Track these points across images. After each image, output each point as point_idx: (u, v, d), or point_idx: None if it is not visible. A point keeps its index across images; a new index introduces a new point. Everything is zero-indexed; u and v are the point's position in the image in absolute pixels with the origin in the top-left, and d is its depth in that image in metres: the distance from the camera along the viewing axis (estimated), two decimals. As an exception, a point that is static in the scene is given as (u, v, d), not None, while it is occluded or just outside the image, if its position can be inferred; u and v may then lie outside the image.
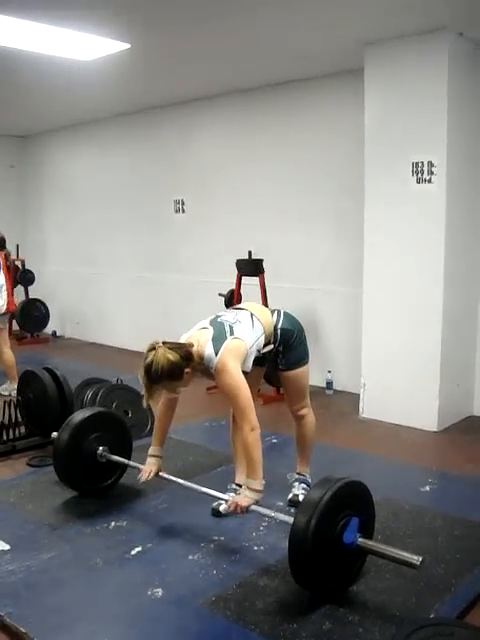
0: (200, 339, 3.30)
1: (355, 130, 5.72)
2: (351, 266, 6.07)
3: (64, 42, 5.12)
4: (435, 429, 5.30)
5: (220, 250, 7.44)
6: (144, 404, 3.30)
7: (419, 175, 5.11)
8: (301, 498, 3.66)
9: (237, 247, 6.64)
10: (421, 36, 4.98)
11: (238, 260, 6.49)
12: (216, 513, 3.66)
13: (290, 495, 3.87)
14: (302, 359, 3.67)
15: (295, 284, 6.83)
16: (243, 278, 6.53)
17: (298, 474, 3.99)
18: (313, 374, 6.48)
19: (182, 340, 3.38)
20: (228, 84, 6.87)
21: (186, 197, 7.96)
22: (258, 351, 3.47)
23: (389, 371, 5.53)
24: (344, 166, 6.24)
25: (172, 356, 3.09)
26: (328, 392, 6.51)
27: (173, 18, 4.67)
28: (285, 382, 3.74)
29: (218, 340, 3.26)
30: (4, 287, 6.20)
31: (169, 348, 3.12)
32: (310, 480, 3.90)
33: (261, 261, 6.36)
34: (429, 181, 5.08)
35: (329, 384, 6.53)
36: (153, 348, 3.12)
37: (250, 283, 6.45)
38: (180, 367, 3.12)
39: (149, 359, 3.10)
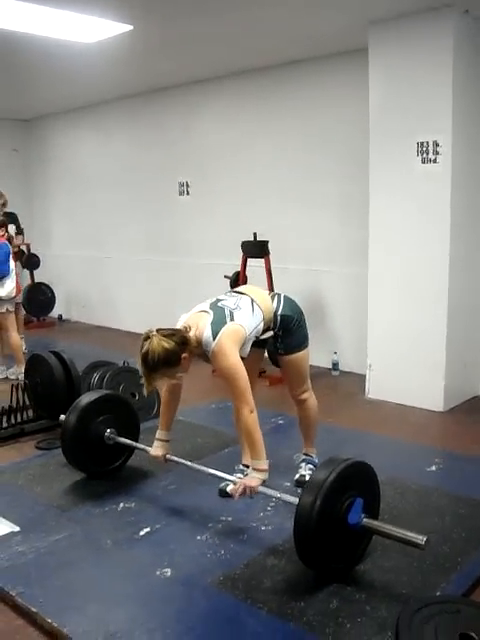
0: (199, 322, 3.29)
1: (360, 110, 5.69)
2: (356, 247, 6.06)
3: (66, 24, 5.09)
4: (441, 409, 5.31)
5: (225, 232, 7.43)
6: (145, 392, 3.30)
7: (424, 155, 5.09)
8: (308, 478, 3.65)
9: (242, 229, 6.62)
10: (426, 14, 4.93)
11: (243, 242, 6.48)
12: (223, 493, 3.66)
13: (297, 475, 3.89)
14: (302, 343, 3.66)
15: (300, 265, 6.82)
16: (249, 260, 6.53)
17: (305, 455, 4.00)
18: (319, 355, 6.58)
19: (180, 322, 3.38)
20: (231, 65, 6.83)
21: (191, 179, 7.94)
22: (257, 337, 3.46)
23: (395, 352, 5.53)
24: (349, 146, 6.21)
25: (167, 343, 3.08)
26: (334, 373, 6.53)
27: (175, -1, 4.64)
28: (285, 366, 3.74)
29: (217, 324, 3.25)
30: (14, 272, 6.30)
31: (164, 335, 3.11)
32: (317, 460, 3.91)
33: (266, 243, 6.35)
34: (434, 161, 5.05)
35: (335, 365, 6.54)
36: (148, 337, 3.11)
37: (256, 265, 6.45)
38: (176, 353, 3.11)
39: (145, 348, 3.08)
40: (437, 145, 5.01)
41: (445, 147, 4.98)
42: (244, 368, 3.24)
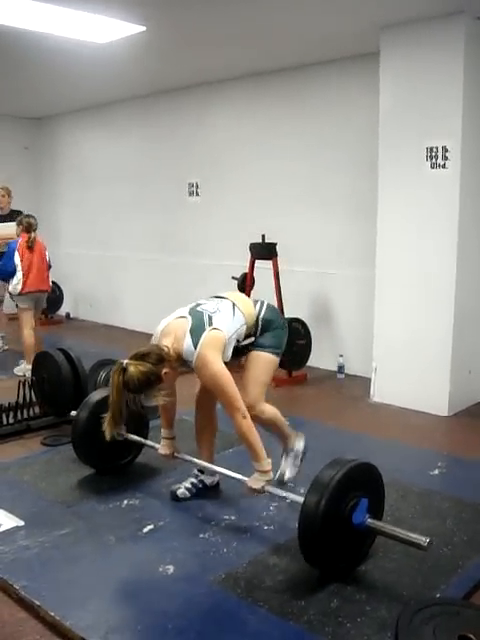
0: (177, 332, 3.27)
1: (370, 114, 5.72)
2: (364, 250, 6.08)
3: (79, 24, 5.13)
4: (446, 414, 5.32)
5: (234, 233, 7.45)
6: (107, 436, 3.30)
7: (433, 160, 5.10)
8: (287, 476, 3.71)
9: (251, 230, 6.65)
10: (438, 20, 4.95)
11: (251, 244, 6.51)
12: (174, 497, 3.73)
13: (277, 473, 3.75)
14: (273, 346, 3.57)
15: (308, 268, 6.84)
16: (256, 261, 6.56)
17: (284, 450, 3.90)
18: (325, 358, 6.61)
19: (160, 327, 3.37)
20: (243, 67, 6.86)
21: (200, 180, 7.96)
22: (238, 341, 3.43)
23: (401, 355, 5.54)
24: (359, 150, 6.23)
25: (143, 366, 3.07)
26: (339, 376, 6.54)
27: (188, 1, 4.66)
28: (247, 362, 3.59)
29: (196, 332, 3.23)
30: (19, 268, 6.32)
31: (137, 359, 3.10)
32: (298, 446, 3.88)
33: (274, 245, 6.38)
34: (443, 166, 5.07)
35: (340, 368, 6.55)
36: (123, 368, 3.08)
37: (263, 267, 6.48)
38: (155, 373, 3.10)
39: (122, 379, 3.08)
40: (446, 150, 5.02)
41: (454, 152, 4.99)
42: (230, 375, 3.22)
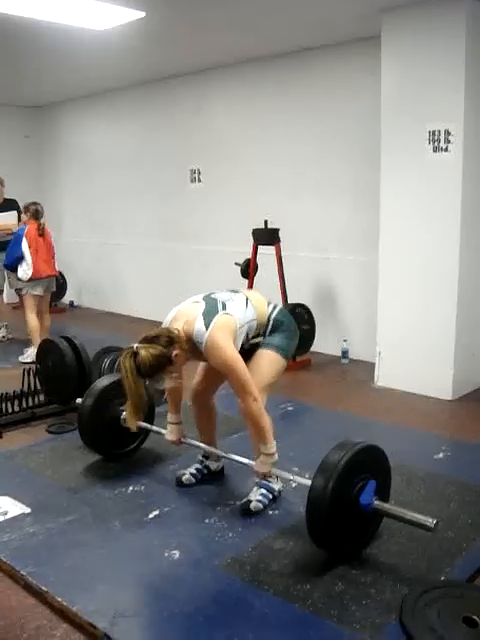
0: (189, 315, 3.26)
1: (371, 98, 5.70)
2: (367, 235, 6.07)
3: (79, 11, 5.10)
4: (450, 398, 5.33)
5: (236, 219, 7.44)
6: (134, 427, 3.35)
7: (436, 144, 5.08)
8: (253, 505, 3.41)
9: (253, 216, 6.64)
10: (439, 2, 4.91)
11: (254, 229, 6.50)
12: (179, 482, 3.75)
13: (244, 500, 3.49)
14: (282, 348, 3.49)
15: (311, 253, 6.84)
16: (259, 247, 6.55)
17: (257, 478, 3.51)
18: (329, 343, 6.62)
19: (171, 314, 3.36)
20: (244, 53, 6.82)
21: (202, 167, 7.95)
22: (247, 337, 3.40)
23: (404, 340, 5.54)
24: (360, 134, 6.21)
25: (153, 349, 3.05)
26: (343, 361, 6.54)
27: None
28: (252, 359, 3.46)
29: (209, 315, 3.22)
30: (28, 254, 6.40)
31: (146, 344, 3.07)
32: (274, 486, 3.54)
33: (277, 230, 6.37)
34: (446, 150, 5.04)
35: (345, 353, 6.56)
36: (134, 352, 3.04)
37: (266, 252, 6.47)
38: (165, 355, 3.07)
39: (134, 363, 3.03)
40: (449, 134, 4.99)
41: (457, 136, 4.97)
42: (241, 358, 3.22)
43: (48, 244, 6.66)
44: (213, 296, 3.41)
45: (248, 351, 3.46)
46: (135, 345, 3.08)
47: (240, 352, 3.29)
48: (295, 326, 3.63)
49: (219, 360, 3.21)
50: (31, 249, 6.44)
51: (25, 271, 6.47)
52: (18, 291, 6.85)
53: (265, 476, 3.33)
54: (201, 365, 3.66)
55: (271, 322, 3.50)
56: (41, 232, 6.53)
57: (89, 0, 4.82)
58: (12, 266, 6.55)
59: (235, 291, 3.55)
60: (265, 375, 3.42)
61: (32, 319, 6.63)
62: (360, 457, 2.88)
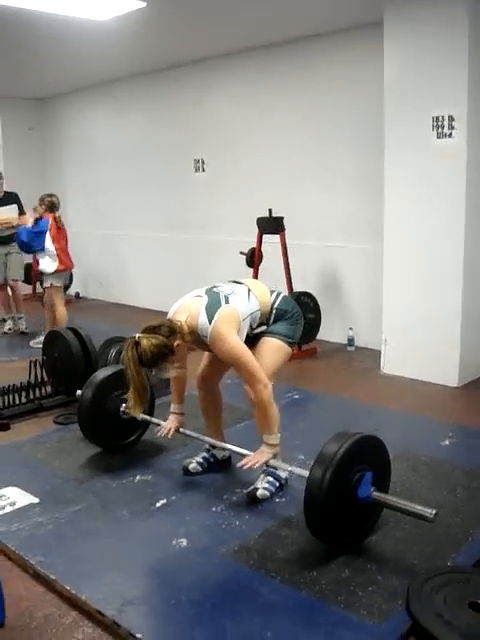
0: (192, 308, 3.28)
1: (374, 85, 5.67)
2: (372, 222, 6.05)
3: (80, 2, 5.09)
4: (456, 384, 5.33)
5: (241, 208, 7.43)
6: (138, 416, 3.38)
7: (439, 130, 5.06)
8: (259, 492, 3.43)
9: (258, 205, 6.63)
10: (442, -13, 4.90)
11: (259, 218, 6.50)
12: (187, 472, 3.76)
13: (251, 488, 3.51)
14: (286, 335, 3.49)
15: (316, 241, 6.83)
16: (264, 236, 6.55)
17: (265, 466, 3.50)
18: (335, 331, 6.63)
19: (174, 307, 3.38)
20: (245, 41, 6.79)
21: (206, 156, 7.93)
22: (251, 327, 3.41)
23: (410, 327, 5.54)
24: (364, 121, 6.18)
25: (155, 339, 3.07)
26: (349, 349, 6.55)
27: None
28: (257, 347, 3.45)
29: (211, 308, 3.23)
30: (52, 247, 6.47)
31: (148, 334, 3.09)
32: (281, 474, 3.54)
33: (282, 219, 6.37)
34: (450, 136, 5.02)
35: (351, 341, 6.56)
36: (136, 342, 3.07)
37: (271, 241, 6.47)
38: (167, 345, 3.09)
39: (136, 353, 3.07)
40: (452, 120, 4.97)
41: (460, 122, 4.95)
42: (246, 347, 3.23)
43: (66, 236, 6.69)
44: (215, 289, 3.41)
45: (252, 340, 3.46)
46: (137, 335, 3.10)
47: (245, 341, 3.30)
48: (299, 313, 3.62)
49: (225, 352, 3.22)
50: (54, 242, 6.47)
51: (50, 263, 6.49)
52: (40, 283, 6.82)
53: (261, 464, 3.29)
54: (207, 352, 3.67)
55: (274, 311, 3.50)
56: (60, 225, 6.56)
57: (90, -10, 4.82)
58: (29, 250, 6.59)
59: (237, 282, 3.54)
60: (270, 363, 3.43)
61: (62, 310, 6.68)
62: (357, 448, 2.86)
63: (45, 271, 6.55)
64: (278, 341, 3.47)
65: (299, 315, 3.61)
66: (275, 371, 3.48)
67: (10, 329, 7.60)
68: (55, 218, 6.56)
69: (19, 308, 7.60)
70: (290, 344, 3.53)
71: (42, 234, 6.43)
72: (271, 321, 3.50)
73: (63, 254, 6.58)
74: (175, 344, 3.13)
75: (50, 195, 6.68)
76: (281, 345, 3.48)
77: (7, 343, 7.28)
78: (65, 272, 6.73)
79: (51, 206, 6.58)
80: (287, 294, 3.71)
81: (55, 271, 6.54)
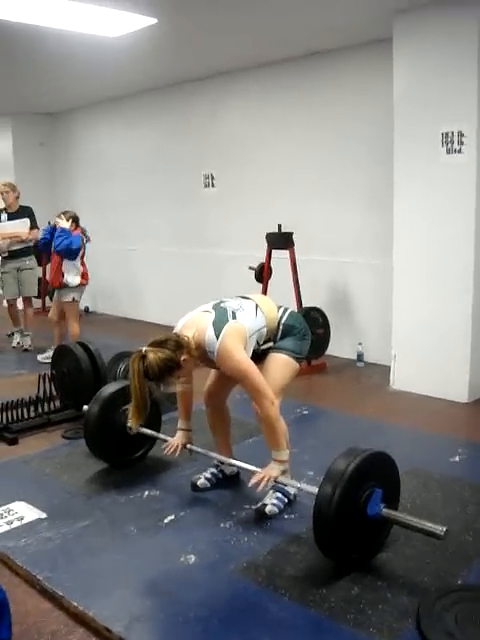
0: (199, 324, 3.27)
1: (384, 101, 5.69)
2: (381, 238, 6.05)
3: (91, 19, 5.13)
4: (466, 400, 5.29)
5: (250, 224, 7.44)
6: (135, 428, 3.40)
7: (449, 145, 5.06)
8: (268, 508, 3.42)
9: (267, 220, 6.64)
10: (451, 3, 4.89)
11: (268, 234, 6.50)
12: (195, 487, 3.74)
13: (259, 504, 3.49)
14: (293, 351, 3.47)
15: (325, 257, 6.83)
16: (273, 251, 6.55)
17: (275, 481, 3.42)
18: (344, 347, 6.60)
19: (181, 322, 3.37)
20: (256, 57, 6.83)
21: (215, 172, 7.96)
22: (257, 344, 3.39)
23: (420, 343, 5.51)
24: (374, 137, 6.19)
25: (162, 353, 3.06)
26: (359, 364, 6.52)
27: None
28: (264, 363, 3.46)
29: (218, 324, 3.22)
30: (79, 262, 6.54)
31: (155, 348, 3.08)
32: (290, 490, 3.53)
33: (291, 234, 6.37)
34: (459, 151, 5.02)
35: (360, 356, 6.54)
36: (142, 355, 3.07)
37: (280, 256, 6.47)
38: (173, 359, 3.08)
39: (142, 366, 3.06)
40: (462, 135, 4.97)
41: (470, 137, 4.94)
42: (253, 363, 3.22)
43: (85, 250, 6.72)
44: (222, 305, 3.39)
45: (260, 356, 3.44)
46: (144, 348, 3.09)
47: (251, 358, 3.29)
48: (306, 328, 3.61)
49: (232, 368, 3.22)
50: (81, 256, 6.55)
51: (75, 277, 6.49)
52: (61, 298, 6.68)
53: (269, 481, 3.25)
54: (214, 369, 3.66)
55: (281, 327, 3.48)
56: (87, 238, 6.62)
57: (101, 8, 4.85)
58: (66, 255, 6.49)
59: (245, 297, 3.53)
60: (278, 379, 3.41)
61: (77, 326, 6.65)
62: (366, 465, 2.84)
63: (70, 284, 6.49)
64: (285, 357, 3.45)
65: (306, 331, 3.60)
66: (283, 387, 3.46)
67: (19, 343, 7.60)
68: (83, 231, 6.59)
69: (27, 325, 7.60)
70: (297, 360, 3.51)
71: (78, 248, 6.47)
72: (278, 337, 3.48)
73: (84, 268, 6.62)
74: (182, 359, 3.12)
75: (67, 211, 6.67)
76: (288, 361, 3.46)
77: (16, 357, 7.29)
78: (85, 286, 6.73)
79: (76, 220, 6.59)
80: (294, 310, 3.70)
81: (79, 285, 6.56)
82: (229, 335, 3.19)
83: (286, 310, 3.57)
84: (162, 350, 3.08)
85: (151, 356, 3.05)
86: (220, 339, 3.18)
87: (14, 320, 7.68)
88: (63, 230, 6.35)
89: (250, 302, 3.46)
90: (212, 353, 3.21)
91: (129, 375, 3.15)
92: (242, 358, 3.19)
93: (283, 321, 3.49)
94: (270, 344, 3.48)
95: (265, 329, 3.41)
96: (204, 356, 3.26)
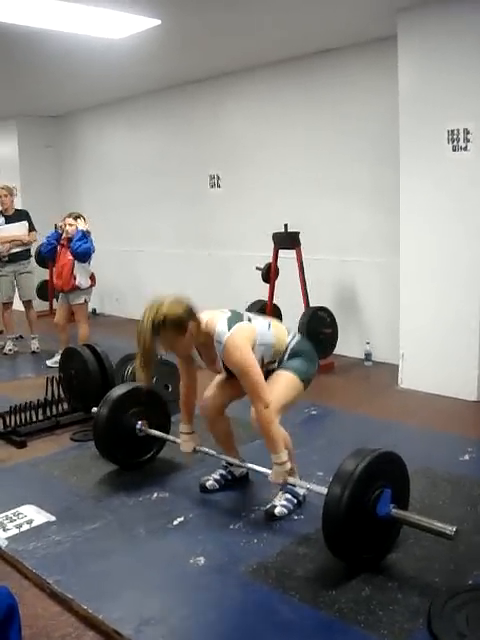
0: (215, 316, 3.31)
1: (389, 99, 5.68)
2: (388, 236, 6.03)
3: (95, 21, 5.14)
4: (474, 399, 5.27)
5: (256, 224, 7.43)
6: (141, 377, 3.28)
7: (455, 143, 5.04)
8: (277, 510, 3.41)
9: (273, 220, 6.63)
10: (456, 0, 4.88)
11: (274, 233, 6.49)
12: (204, 489, 3.74)
13: (268, 506, 3.49)
14: (299, 370, 3.43)
15: (332, 256, 6.81)
16: (280, 251, 6.54)
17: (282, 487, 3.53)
18: (352, 346, 6.58)
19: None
20: (260, 57, 6.82)
21: (221, 172, 7.95)
22: (262, 361, 3.38)
23: (428, 341, 5.50)
24: (379, 135, 6.18)
25: (178, 307, 3.14)
26: (367, 363, 6.51)
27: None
28: (270, 378, 3.42)
29: (232, 320, 3.27)
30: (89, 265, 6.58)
31: (174, 301, 3.18)
32: (299, 491, 3.52)
33: (297, 234, 6.36)
34: (465, 148, 5.00)
35: (368, 355, 6.52)
36: (158, 304, 3.17)
37: (287, 256, 6.46)
38: (183, 320, 3.14)
39: (154, 308, 3.14)
40: (468, 132, 4.96)
41: (476, 134, 4.93)
42: (257, 364, 3.23)
43: None
44: (239, 311, 3.47)
45: (265, 376, 3.39)
46: (163, 298, 3.18)
47: None
48: (314, 354, 3.60)
49: (236, 361, 3.22)
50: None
51: (86, 279, 6.52)
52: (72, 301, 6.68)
53: (282, 483, 3.33)
54: (215, 380, 3.66)
55: (288, 351, 3.47)
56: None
57: (105, 10, 4.86)
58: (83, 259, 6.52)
59: (260, 315, 3.63)
60: (281, 394, 3.36)
61: (87, 328, 6.67)
62: (375, 465, 2.83)
63: (82, 286, 6.50)
64: (291, 374, 3.43)
65: (314, 356, 3.60)
66: (285, 404, 3.39)
67: (10, 350, 7.48)
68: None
69: (33, 329, 7.57)
70: (303, 381, 3.45)
71: (92, 243, 6.52)
72: (285, 359, 3.47)
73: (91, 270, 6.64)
74: (189, 325, 3.17)
75: (71, 213, 6.70)
76: (293, 378, 3.42)
77: (23, 361, 7.29)
78: (93, 288, 6.75)
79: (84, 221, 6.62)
80: (304, 336, 3.73)
81: (89, 287, 6.60)
82: (240, 330, 3.23)
83: (296, 335, 3.58)
84: (179, 305, 3.15)
85: (167, 305, 3.14)
86: (230, 332, 3.21)
87: (7, 326, 7.59)
88: (83, 233, 6.40)
89: (264, 318, 3.55)
90: (220, 343, 3.22)
91: (139, 325, 3.18)
92: (248, 353, 3.20)
93: (291, 346, 3.49)
94: (275, 365, 3.48)
95: (272, 349, 3.42)
96: (210, 346, 3.29)
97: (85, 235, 6.40)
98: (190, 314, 3.19)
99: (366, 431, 4.56)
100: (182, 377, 3.64)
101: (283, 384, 3.39)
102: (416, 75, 5.27)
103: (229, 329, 3.22)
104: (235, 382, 3.39)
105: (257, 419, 3.24)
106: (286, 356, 3.47)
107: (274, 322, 3.56)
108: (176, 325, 3.14)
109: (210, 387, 3.67)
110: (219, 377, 3.64)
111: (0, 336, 7.77)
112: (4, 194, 7.27)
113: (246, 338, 3.23)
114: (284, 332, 3.52)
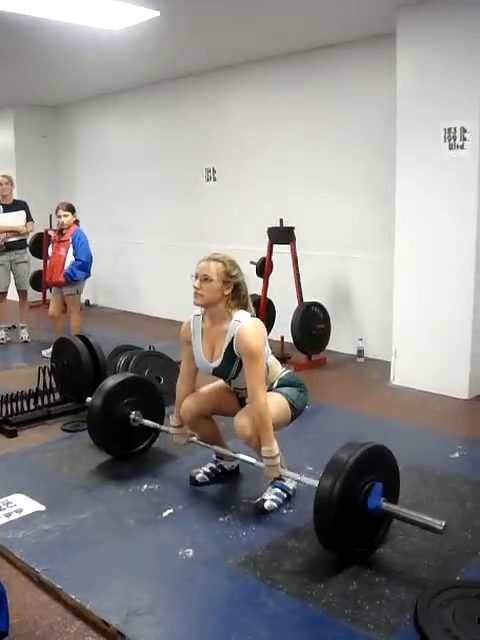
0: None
1: (386, 96, 5.67)
2: (383, 233, 6.03)
3: (94, 11, 5.12)
4: (466, 397, 5.29)
5: (251, 218, 7.43)
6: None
7: (451, 141, 5.04)
8: (267, 504, 3.42)
9: (268, 215, 6.63)
10: (455, -2, 4.90)
11: (269, 228, 6.49)
12: (193, 481, 3.75)
13: (258, 499, 3.49)
14: (291, 397, 3.46)
15: (326, 251, 6.81)
16: (274, 246, 6.54)
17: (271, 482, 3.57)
18: (344, 342, 6.59)
19: None
20: (258, 51, 6.81)
21: (217, 165, 7.94)
22: None
23: (420, 338, 5.51)
24: (376, 132, 6.18)
25: (240, 275, 3.42)
26: (359, 360, 6.51)
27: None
28: None
29: (251, 316, 3.39)
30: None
31: (228, 261, 3.48)
32: (288, 485, 3.54)
33: (292, 229, 6.36)
34: (462, 147, 5.00)
35: (360, 352, 6.53)
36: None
37: (281, 251, 6.46)
38: (235, 277, 3.39)
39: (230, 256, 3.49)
40: (464, 131, 4.96)
41: (473, 133, 4.93)
42: (264, 354, 3.30)
43: None
44: None
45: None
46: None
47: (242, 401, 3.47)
48: (305, 388, 3.61)
49: (247, 344, 3.24)
50: None
51: (80, 271, 6.52)
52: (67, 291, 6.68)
53: (277, 476, 3.36)
54: (200, 390, 3.66)
55: (278, 381, 3.50)
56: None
57: (104, 0, 4.83)
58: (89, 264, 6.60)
59: None
60: (271, 412, 3.31)
61: (79, 319, 6.72)
62: (366, 458, 2.85)
63: (77, 278, 6.51)
64: (282, 397, 3.44)
65: (304, 388, 3.61)
66: (273, 423, 3.32)
67: (3, 340, 7.46)
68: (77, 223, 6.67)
69: (23, 318, 7.56)
70: (292, 406, 3.46)
71: (87, 243, 6.58)
72: (274, 386, 3.48)
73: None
74: (227, 291, 3.36)
75: (63, 203, 6.69)
76: (284, 402, 3.43)
77: (16, 350, 7.28)
78: (86, 279, 6.75)
79: (73, 209, 6.67)
80: (293, 372, 3.74)
81: (84, 278, 6.61)
82: (258, 323, 3.34)
83: (287, 369, 3.64)
84: (241, 276, 3.44)
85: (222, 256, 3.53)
86: (250, 320, 3.32)
87: (0, 315, 7.54)
88: (84, 235, 6.55)
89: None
90: (238, 322, 3.29)
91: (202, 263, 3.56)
92: (261, 343, 3.27)
93: (282, 376, 3.53)
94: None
95: (269, 370, 3.45)
96: (217, 334, 3.39)
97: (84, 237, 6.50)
98: (237, 287, 3.38)
99: (357, 427, 4.56)
100: (182, 372, 3.66)
101: (273, 403, 3.35)
102: (414, 72, 5.26)
103: (249, 316, 3.36)
104: (221, 396, 3.52)
105: (255, 404, 3.24)
106: (276, 384, 3.49)
107: (270, 354, 3.56)
108: (228, 274, 3.37)
109: (193, 395, 3.62)
110: (205, 389, 3.66)
111: None
112: (5, 182, 7.25)
113: (262, 331, 3.34)
114: (278, 364, 3.58)
